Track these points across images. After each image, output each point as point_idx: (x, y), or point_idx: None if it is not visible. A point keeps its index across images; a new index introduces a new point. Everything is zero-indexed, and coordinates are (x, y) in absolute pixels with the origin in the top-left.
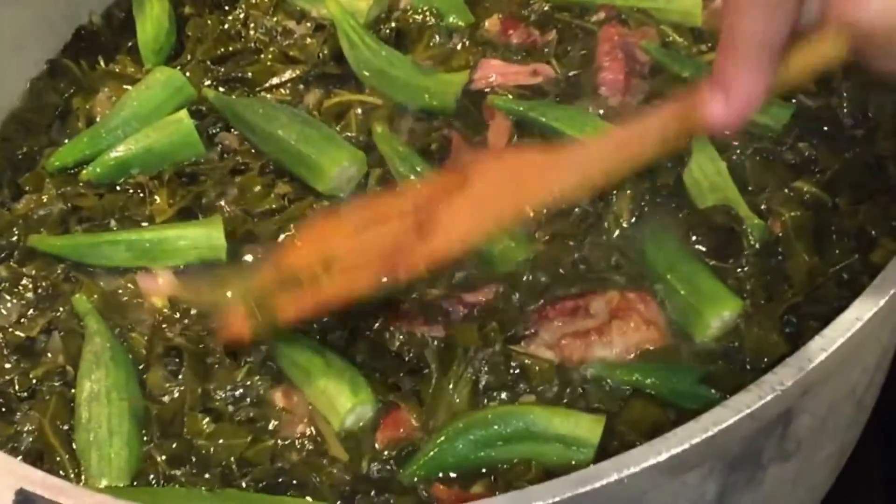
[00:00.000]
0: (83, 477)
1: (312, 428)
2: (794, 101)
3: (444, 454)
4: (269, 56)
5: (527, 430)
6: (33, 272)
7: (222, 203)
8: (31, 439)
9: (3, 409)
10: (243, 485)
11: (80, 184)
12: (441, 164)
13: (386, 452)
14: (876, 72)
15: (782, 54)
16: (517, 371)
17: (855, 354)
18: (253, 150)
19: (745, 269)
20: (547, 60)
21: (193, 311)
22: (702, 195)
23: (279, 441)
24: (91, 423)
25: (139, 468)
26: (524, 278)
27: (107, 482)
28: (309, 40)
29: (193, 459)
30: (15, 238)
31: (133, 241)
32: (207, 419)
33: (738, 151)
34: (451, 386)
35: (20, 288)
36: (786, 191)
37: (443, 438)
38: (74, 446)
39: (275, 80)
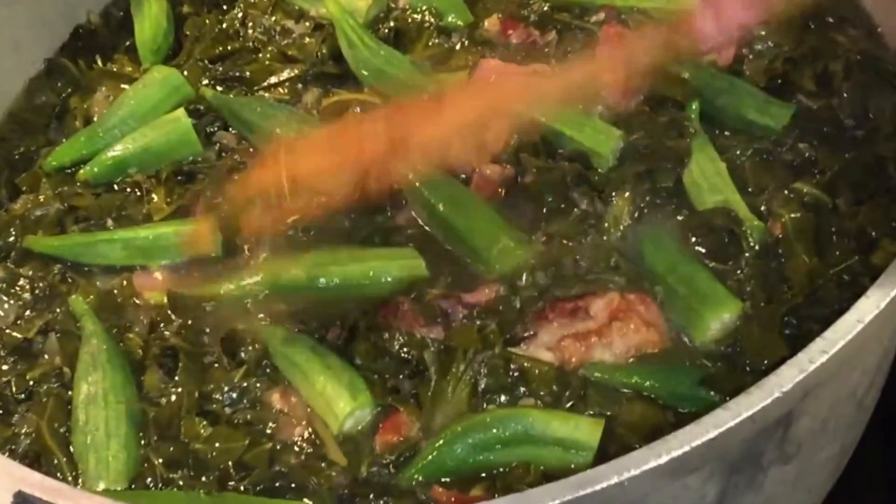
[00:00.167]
0: (81, 480)
1: (310, 430)
2: (794, 101)
3: (443, 457)
4: (268, 55)
5: (526, 434)
6: (30, 273)
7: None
8: (28, 442)
9: (1, 412)
10: (241, 488)
11: (78, 184)
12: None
13: (385, 456)
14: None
15: None
16: (516, 374)
17: (856, 356)
18: (251, 149)
19: (745, 270)
20: (547, 60)
21: (189, 308)
22: (701, 196)
23: (277, 444)
24: (88, 426)
25: (137, 471)
26: (524, 279)
27: (104, 485)
28: (308, 39)
29: (191, 463)
30: (12, 239)
31: (129, 239)
32: (205, 422)
33: (738, 152)
34: (450, 388)
35: (17, 289)
36: (786, 192)
37: (442, 442)
38: (72, 449)
39: (273, 80)
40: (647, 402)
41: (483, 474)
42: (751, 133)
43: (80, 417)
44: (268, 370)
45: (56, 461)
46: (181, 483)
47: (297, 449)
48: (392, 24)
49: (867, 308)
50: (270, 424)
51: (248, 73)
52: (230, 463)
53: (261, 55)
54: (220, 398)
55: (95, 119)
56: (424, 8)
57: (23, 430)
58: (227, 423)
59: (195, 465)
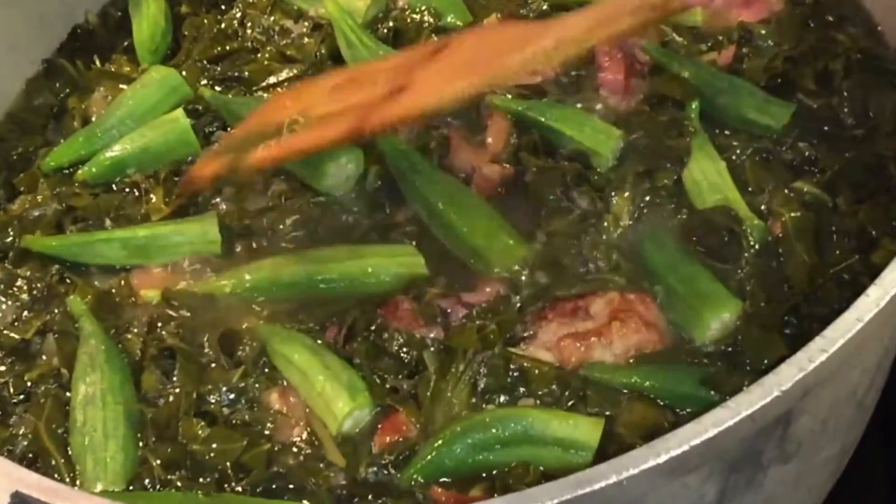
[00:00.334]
0: (78, 481)
1: (309, 431)
2: (794, 100)
3: (442, 458)
4: (266, 55)
5: (525, 434)
6: (28, 273)
7: (218, 200)
8: (26, 443)
9: None
10: (239, 489)
11: (76, 184)
12: (440, 164)
13: (384, 456)
14: None
15: None
16: (516, 374)
17: (856, 355)
18: None
19: (745, 270)
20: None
21: (186, 306)
22: (701, 196)
23: (275, 445)
24: (86, 427)
25: (135, 472)
26: (523, 279)
27: (102, 486)
28: (306, 40)
29: (189, 464)
30: (10, 239)
31: (128, 239)
32: (202, 423)
33: (738, 152)
34: (449, 388)
35: (15, 290)
36: (786, 191)
37: (441, 442)
38: (70, 450)
39: (272, 79)
40: (646, 401)
41: (482, 474)
42: (751, 132)
43: (78, 418)
44: (266, 370)
45: (54, 462)
46: (179, 484)
47: (295, 450)
48: (391, 23)
49: (867, 307)
50: (269, 425)
51: (246, 73)
52: (228, 464)
53: (259, 55)
54: (218, 398)
55: (94, 119)
56: (423, 8)
57: (20, 432)
58: (225, 423)
59: (193, 466)
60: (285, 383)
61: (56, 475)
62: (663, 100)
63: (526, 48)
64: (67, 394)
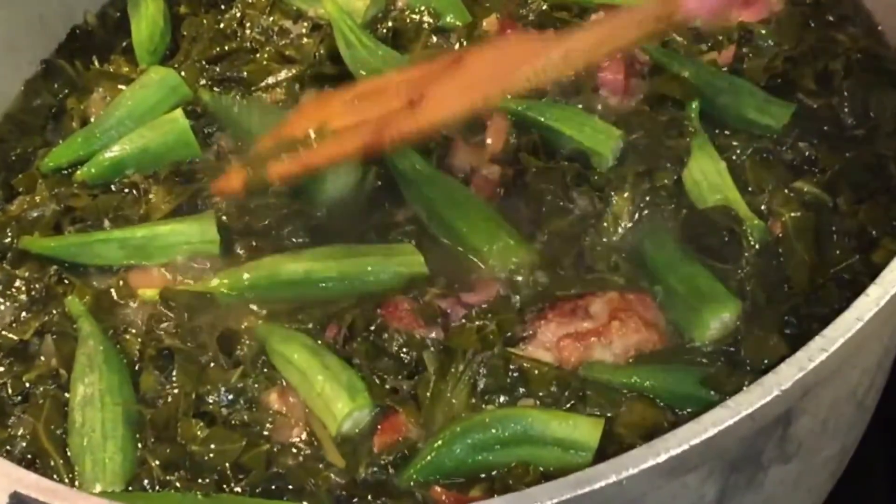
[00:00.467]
0: (77, 482)
1: (308, 431)
2: (794, 100)
3: (442, 458)
4: (265, 56)
5: (525, 434)
6: (26, 274)
7: (217, 200)
8: (24, 444)
9: None
10: (238, 490)
11: (75, 185)
12: (440, 165)
13: (383, 457)
14: None
15: None
16: (516, 374)
17: (856, 355)
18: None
19: (745, 270)
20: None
21: (184, 305)
22: (701, 196)
23: (274, 445)
24: (85, 428)
25: (133, 473)
26: (523, 279)
27: (101, 487)
28: (305, 40)
29: (188, 464)
30: (8, 240)
31: (126, 239)
32: (201, 424)
33: (738, 152)
34: (449, 389)
35: (13, 291)
36: (786, 191)
37: (440, 442)
38: (68, 451)
39: (270, 80)
40: (646, 402)
41: (482, 475)
42: (751, 132)
43: (77, 419)
44: (265, 370)
45: (52, 463)
46: (178, 485)
47: (294, 450)
48: (390, 24)
49: (867, 306)
50: (268, 425)
51: (245, 74)
52: (227, 464)
53: (258, 56)
54: (217, 399)
55: (92, 120)
56: (423, 8)
57: (19, 433)
58: (224, 424)
59: (192, 466)
60: (284, 383)
61: (55, 476)
62: (663, 100)
63: (535, 60)
64: (66, 394)
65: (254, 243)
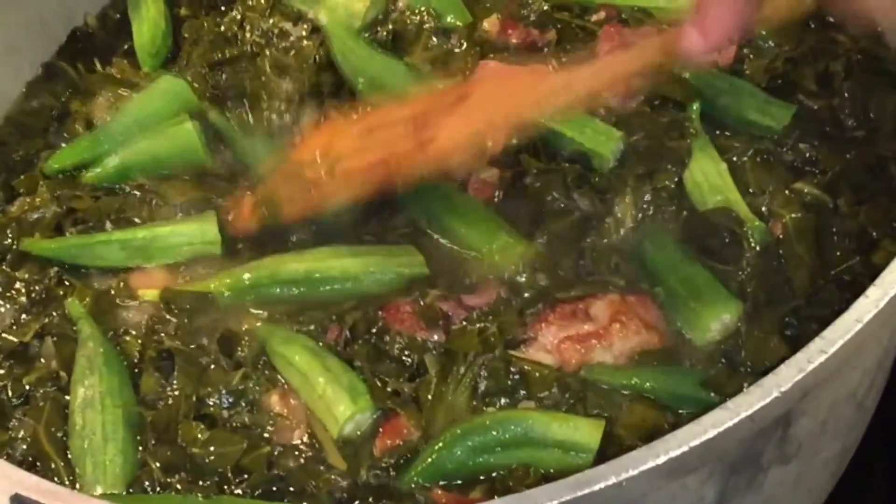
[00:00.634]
0: (78, 484)
1: (309, 434)
2: (795, 101)
3: (443, 460)
4: (266, 63)
5: (525, 436)
6: (26, 276)
7: (220, 202)
8: (25, 446)
9: None
10: (239, 492)
11: (77, 186)
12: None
13: (384, 459)
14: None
15: None
16: (516, 376)
17: (855, 356)
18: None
19: (746, 271)
20: (547, 60)
21: (185, 305)
22: (702, 197)
23: (275, 448)
24: (85, 430)
25: (134, 475)
26: (524, 281)
27: (102, 489)
28: (305, 42)
29: (188, 467)
30: (8, 241)
31: (127, 240)
32: (202, 426)
33: (739, 153)
34: (450, 391)
35: (13, 292)
36: (787, 192)
37: (441, 444)
38: (69, 453)
39: (272, 92)
40: (647, 403)
41: (483, 477)
42: (752, 133)
43: (77, 421)
44: (266, 372)
45: (53, 465)
46: (179, 487)
47: (295, 452)
48: (390, 26)
49: (866, 307)
50: (269, 427)
51: (246, 85)
52: (228, 467)
53: (259, 61)
54: (218, 401)
55: (97, 124)
56: (423, 9)
57: (20, 435)
58: (224, 426)
59: (193, 468)
60: (286, 385)
61: (55, 478)
62: (664, 101)
63: (539, 91)
64: (66, 397)
65: (255, 244)
